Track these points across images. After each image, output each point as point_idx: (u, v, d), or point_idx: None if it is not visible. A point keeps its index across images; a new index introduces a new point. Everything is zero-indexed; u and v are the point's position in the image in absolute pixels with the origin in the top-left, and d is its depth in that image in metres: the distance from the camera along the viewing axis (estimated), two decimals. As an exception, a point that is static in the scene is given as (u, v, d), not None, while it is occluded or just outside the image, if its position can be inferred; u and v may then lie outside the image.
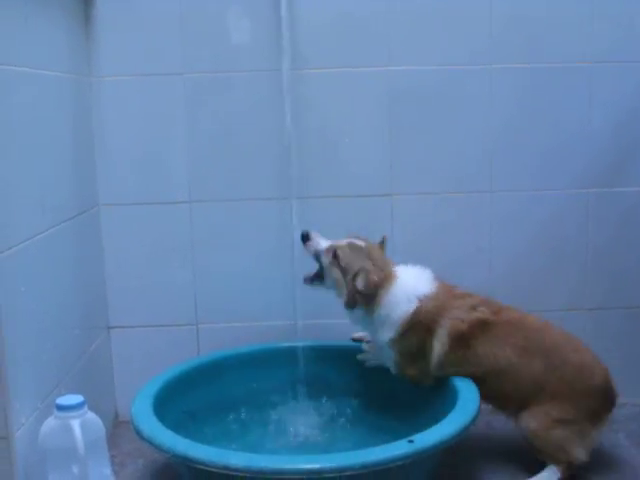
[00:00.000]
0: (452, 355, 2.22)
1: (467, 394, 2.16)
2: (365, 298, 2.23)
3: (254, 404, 2.50)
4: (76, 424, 1.82)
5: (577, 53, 2.58)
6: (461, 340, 2.21)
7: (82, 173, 2.44)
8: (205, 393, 2.42)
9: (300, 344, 2.54)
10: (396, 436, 2.00)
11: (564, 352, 2.21)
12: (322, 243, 2.33)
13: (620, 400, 2.66)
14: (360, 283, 2.22)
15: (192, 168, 2.58)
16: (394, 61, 2.55)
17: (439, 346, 2.22)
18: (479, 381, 2.21)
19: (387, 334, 2.26)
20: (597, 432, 2.20)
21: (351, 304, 2.26)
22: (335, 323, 2.58)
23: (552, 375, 2.17)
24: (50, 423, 1.85)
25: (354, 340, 2.51)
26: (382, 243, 2.38)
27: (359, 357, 2.49)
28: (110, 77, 2.53)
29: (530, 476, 2.20)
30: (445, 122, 2.60)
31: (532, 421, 2.16)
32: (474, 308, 2.24)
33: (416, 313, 2.22)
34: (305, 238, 2.34)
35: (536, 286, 2.58)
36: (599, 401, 2.20)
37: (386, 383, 2.46)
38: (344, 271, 2.27)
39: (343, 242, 2.31)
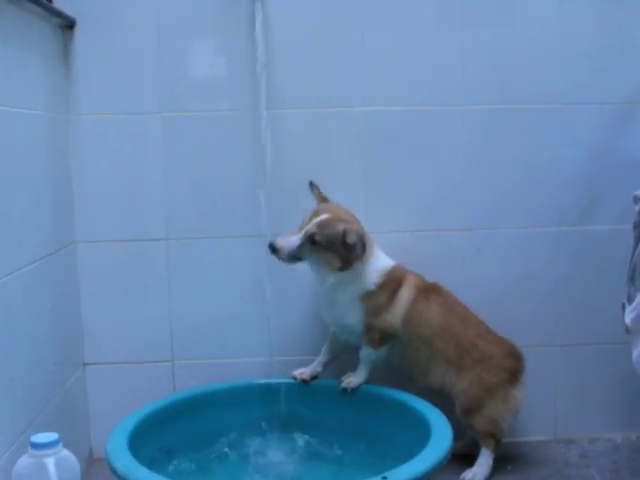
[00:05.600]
0: (414, 306, 2.45)
1: (440, 430, 2.18)
2: (360, 250, 2.35)
3: (230, 441, 2.49)
4: (51, 462, 1.78)
5: (549, 94, 2.64)
6: (423, 292, 2.48)
7: (59, 210, 2.45)
8: (181, 430, 2.41)
9: (275, 381, 2.55)
10: (370, 472, 2.01)
11: (487, 326, 2.53)
12: (292, 241, 2.35)
13: (593, 435, 2.72)
14: (351, 238, 2.33)
15: (169, 206, 2.60)
16: (369, 102, 2.59)
17: (406, 295, 2.45)
18: (426, 345, 2.45)
19: (366, 286, 2.41)
20: (517, 393, 2.48)
21: (348, 264, 2.36)
22: (310, 360, 2.59)
23: (482, 339, 2.48)
24: (24, 461, 1.81)
25: (293, 378, 2.56)
26: (314, 189, 2.49)
27: (343, 385, 2.50)
28: (88, 115, 2.55)
29: (468, 467, 2.46)
30: (419, 161, 2.64)
31: (470, 390, 2.43)
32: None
33: (393, 268, 2.46)
34: (273, 249, 2.34)
35: (508, 323, 2.60)
36: (515, 361, 2.49)
37: (360, 419, 2.48)
38: (329, 246, 2.35)
39: (311, 226, 2.35)
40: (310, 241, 2.34)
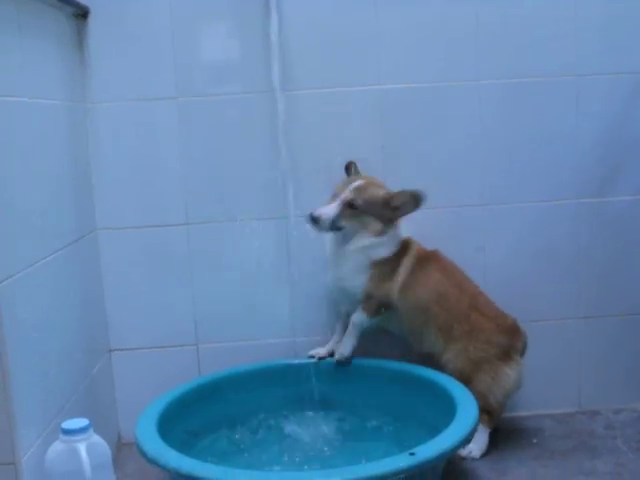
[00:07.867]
0: (414, 273, 2.47)
1: (465, 405, 2.20)
2: (412, 207, 2.41)
3: (257, 422, 2.52)
4: (82, 448, 1.82)
5: (563, 66, 2.62)
6: (423, 260, 2.50)
7: (80, 198, 2.47)
8: (208, 412, 2.44)
9: (299, 361, 2.57)
10: (396, 448, 2.02)
11: (485, 298, 2.51)
12: (331, 209, 2.39)
13: (617, 406, 2.71)
14: (398, 200, 2.41)
15: (188, 190, 2.61)
16: (384, 79, 2.59)
17: (408, 263, 2.48)
18: (421, 311, 2.46)
19: (383, 253, 2.45)
20: (509, 370, 2.44)
21: (389, 227, 2.44)
22: (333, 340, 2.61)
23: (476, 311, 2.46)
24: (56, 447, 1.85)
25: (311, 357, 2.61)
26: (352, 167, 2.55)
27: (337, 357, 2.55)
28: (105, 103, 2.56)
29: None
30: (436, 138, 2.64)
31: (457, 361, 2.43)
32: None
33: (405, 239, 2.51)
34: (315, 220, 2.38)
35: (530, 297, 2.61)
36: (511, 338, 2.46)
37: (386, 396, 2.50)
38: (369, 209, 2.41)
39: (347, 192, 2.41)
40: (349, 206, 2.39)
